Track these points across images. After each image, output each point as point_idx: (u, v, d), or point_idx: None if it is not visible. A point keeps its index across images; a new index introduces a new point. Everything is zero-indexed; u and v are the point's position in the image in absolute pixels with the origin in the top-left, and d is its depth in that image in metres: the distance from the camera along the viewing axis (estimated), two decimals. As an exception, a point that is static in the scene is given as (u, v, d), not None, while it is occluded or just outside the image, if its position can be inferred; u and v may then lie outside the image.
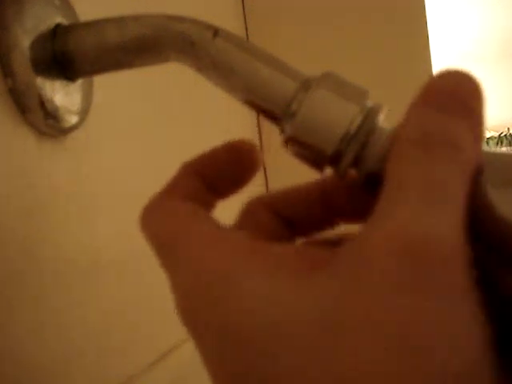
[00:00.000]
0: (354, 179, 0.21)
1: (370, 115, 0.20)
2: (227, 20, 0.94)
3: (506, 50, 2.79)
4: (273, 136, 1.08)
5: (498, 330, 0.13)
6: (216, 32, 0.24)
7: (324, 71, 0.22)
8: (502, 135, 2.92)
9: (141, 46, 0.26)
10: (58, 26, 0.28)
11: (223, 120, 0.78)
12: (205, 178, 0.20)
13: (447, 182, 0.14)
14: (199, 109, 0.63)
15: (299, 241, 0.21)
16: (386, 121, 0.21)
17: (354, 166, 0.21)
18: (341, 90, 0.21)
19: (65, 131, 0.29)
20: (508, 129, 2.88)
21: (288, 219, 0.21)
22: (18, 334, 0.25)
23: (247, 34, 1.08)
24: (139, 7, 0.42)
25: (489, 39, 2.72)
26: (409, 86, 0.66)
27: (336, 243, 0.19)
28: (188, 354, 0.45)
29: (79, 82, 0.30)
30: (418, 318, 0.12)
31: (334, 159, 0.21)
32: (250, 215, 0.21)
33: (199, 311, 0.15)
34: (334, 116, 0.20)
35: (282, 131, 0.23)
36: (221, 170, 0.20)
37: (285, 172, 1.04)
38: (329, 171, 0.22)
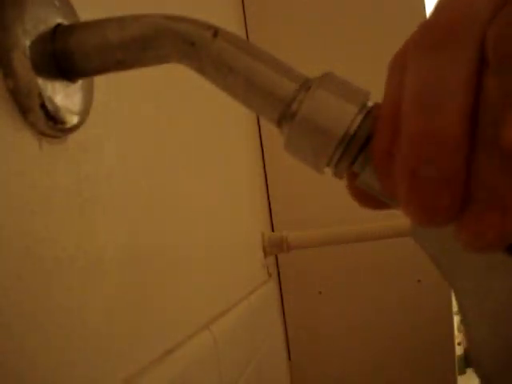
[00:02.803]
0: None
1: (369, 116, 0.20)
2: (227, 20, 0.94)
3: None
4: (273, 136, 1.08)
5: None
6: (216, 32, 0.24)
7: (324, 71, 0.22)
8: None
9: (141, 46, 0.26)
10: (58, 26, 0.28)
11: (223, 120, 0.78)
12: None
13: None
14: (199, 109, 0.64)
15: None
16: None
17: (353, 167, 0.21)
18: (341, 91, 0.21)
19: (65, 132, 0.29)
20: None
21: None
22: (17, 334, 0.25)
23: (247, 34, 1.08)
24: (139, 7, 0.42)
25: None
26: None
27: None
28: (188, 354, 0.45)
29: (80, 82, 0.30)
30: None
31: (334, 160, 0.21)
32: None
33: None
34: (333, 116, 0.20)
35: (282, 132, 0.23)
36: None
37: (285, 172, 1.04)
38: (328, 171, 0.22)
